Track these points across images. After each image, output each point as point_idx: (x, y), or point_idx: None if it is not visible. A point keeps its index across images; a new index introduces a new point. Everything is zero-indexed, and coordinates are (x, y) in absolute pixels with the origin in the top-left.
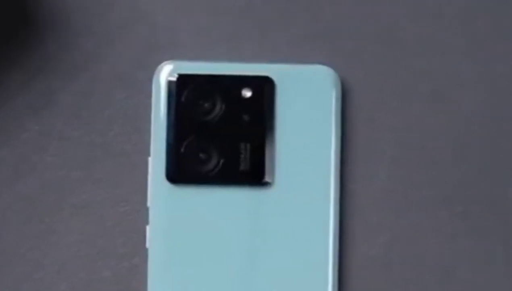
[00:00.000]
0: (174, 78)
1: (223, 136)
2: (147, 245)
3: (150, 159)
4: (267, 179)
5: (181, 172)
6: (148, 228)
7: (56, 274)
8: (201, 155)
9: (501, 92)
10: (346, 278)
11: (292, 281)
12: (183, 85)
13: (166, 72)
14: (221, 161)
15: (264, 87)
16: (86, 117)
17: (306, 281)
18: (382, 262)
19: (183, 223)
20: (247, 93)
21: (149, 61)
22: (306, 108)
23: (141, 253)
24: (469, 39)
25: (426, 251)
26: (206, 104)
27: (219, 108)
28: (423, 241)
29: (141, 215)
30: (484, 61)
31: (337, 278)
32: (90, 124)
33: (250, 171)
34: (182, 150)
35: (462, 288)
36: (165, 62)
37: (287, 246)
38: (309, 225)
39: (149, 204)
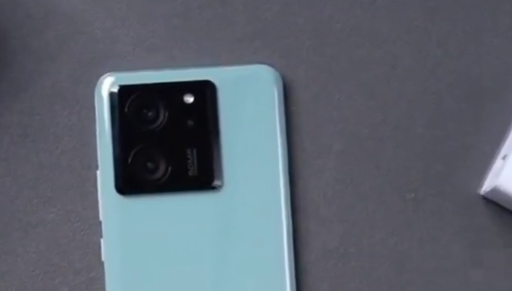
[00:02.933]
0: (115, 90)
1: (169, 144)
2: (103, 258)
3: (98, 172)
4: (216, 182)
5: (130, 182)
6: (102, 241)
7: None
8: (149, 164)
9: (440, 77)
10: (304, 273)
11: (250, 281)
12: (125, 96)
13: (108, 85)
14: (169, 168)
15: (206, 91)
16: (32, 136)
17: (264, 280)
18: (338, 254)
19: (137, 233)
20: (189, 99)
21: (90, 75)
22: (250, 108)
23: (97, 266)
24: (405, 26)
25: (381, 240)
26: (150, 113)
27: (163, 116)
28: (377, 230)
29: (94, 229)
30: (422, 47)
31: (294, 274)
32: (36, 142)
33: (199, 176)
34: (129, 160)
35: (418, 274)
36: (106, 74)
37: (243, 247)
38: (263, 224)
39: (101, 217)
